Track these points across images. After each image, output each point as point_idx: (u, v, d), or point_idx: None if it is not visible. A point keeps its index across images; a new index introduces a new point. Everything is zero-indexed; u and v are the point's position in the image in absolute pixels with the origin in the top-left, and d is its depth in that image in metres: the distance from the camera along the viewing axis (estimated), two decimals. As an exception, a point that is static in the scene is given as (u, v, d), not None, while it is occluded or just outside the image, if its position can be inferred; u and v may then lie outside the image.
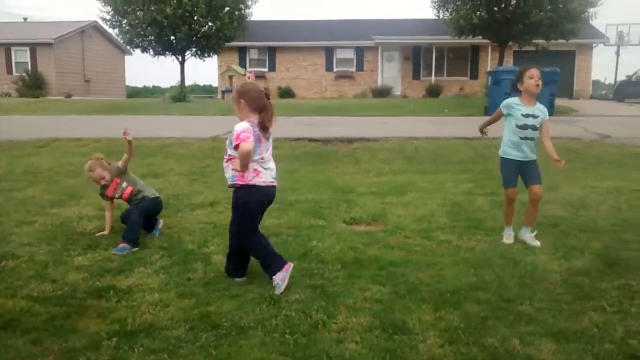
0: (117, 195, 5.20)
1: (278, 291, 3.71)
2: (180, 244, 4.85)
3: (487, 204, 6.37)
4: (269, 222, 5.44)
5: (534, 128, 4.76)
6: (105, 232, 5.11)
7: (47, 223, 5.46)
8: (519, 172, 4.86)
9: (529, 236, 4.89)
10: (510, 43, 24.01)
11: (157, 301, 3.59)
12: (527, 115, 4.73)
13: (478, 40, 25.49)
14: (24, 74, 32.55)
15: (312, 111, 18.83)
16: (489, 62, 29.65)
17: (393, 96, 29.55)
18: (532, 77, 4.71)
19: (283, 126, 13.42)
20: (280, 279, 3.77)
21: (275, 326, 3.23)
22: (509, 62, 25.75)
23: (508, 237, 4.94)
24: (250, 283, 3.92)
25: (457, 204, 6.43)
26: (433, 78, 30.64)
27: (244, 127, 3.73)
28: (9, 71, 33.58)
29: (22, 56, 33.60)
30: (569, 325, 3.25)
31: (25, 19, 40.92)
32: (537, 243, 4.80)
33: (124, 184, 5.20)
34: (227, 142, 3.92)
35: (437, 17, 25.31)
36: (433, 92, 29.46)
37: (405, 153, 10.39)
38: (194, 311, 3.44)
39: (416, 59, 31.79)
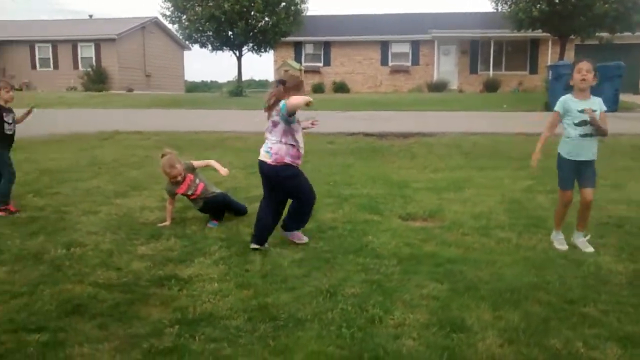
0: (190, 192, 5.35)
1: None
2: (238, 235, 4.94)
3: (548, 202, 6.19)
4: (325, 216, 5.49)
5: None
6: (167, 224, 5.26)
7: (112, 213, 5.67)
8: (577, 173, 4.60)
9: (581, 241, 4.62)
10: (572, 36, 23.23)
11: (217, 291, 3.67)
12: (583, 111, 4.46)
13: (538, 33, 24.81)
14: (89, 69, 33.75)
15: (367, 106, 18.77)
16: (549, 56, 28.78)
17: (449, 91, 29.10)
18: (579, 72, 4.47)
19: (338, 121, 13.45)
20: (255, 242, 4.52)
21: (332, 319, 3.25)
22: (570, 56, 24.88)
23: (560, 243, 4.67)
24: (307, 276, 3.96)
25: (516, 201, 6.29)
26: (491, 72, 29.99)
27: None
28: (75, 66, 34.89)
29: (87, 52, 34.85)
30: (635, 329, 3.14)
31: (90, 16, 42.39)
32: (591, 249, 4.52)
33: (197, 180, 5.38)
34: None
35: (495, 10, 24.75)
36: (491, 86, 28.83)
37: (463, 148, 10.23)
38: (252, 302, 3.50)
39: (473, 52, 31.18)
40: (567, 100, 4.55)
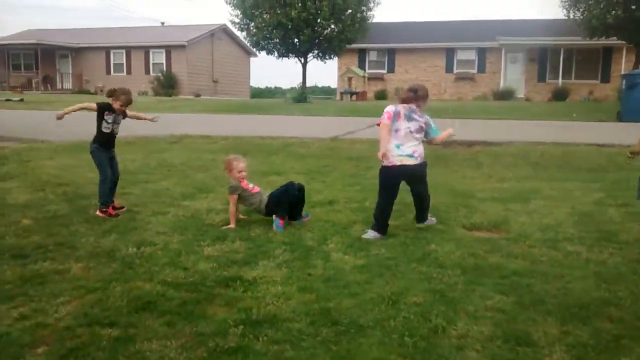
0: (251, 185, 5.60)
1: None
2: (300, 240, 5.00)
3: (620, 216, 5.96)
4: (389, 222, 5.46)
5: None
6: (232, 226, 5.38)
7: (179, 214, 5.85)
8: None
9: None
10: (649, 44, 22.25)
11: (280, 294, 3.73)
12: None
13: (612, 41, 23.89)
14: (160, 74, 34.99)
15: (430, 113, 18.55)
16: (623, 65, 27.65)
17: (516, 99, 28.41)
18: None
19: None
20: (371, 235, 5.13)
21: (394, 327, 3.24)
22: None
23: None
24: (369, 283, 3.96)
25: (586, 214, 6.07)
26: (560, 81, 29.10)
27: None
28: (147, 71, 36.26)
29: (158, 57, 36.16)
30: None
31: (162, 23, 43.94)
32: None
33: (251, 185, 5.53)
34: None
35: (566, 17, 23.99)
36: (559, 95, 27.96)
37: (530, 158, 9.97)
38: (315, 306, 3.54)
39: (542, 60, 30.37)
40: None
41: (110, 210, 5.79)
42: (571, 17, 23.57)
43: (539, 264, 4.42)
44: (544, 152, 10.34)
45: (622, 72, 22.71)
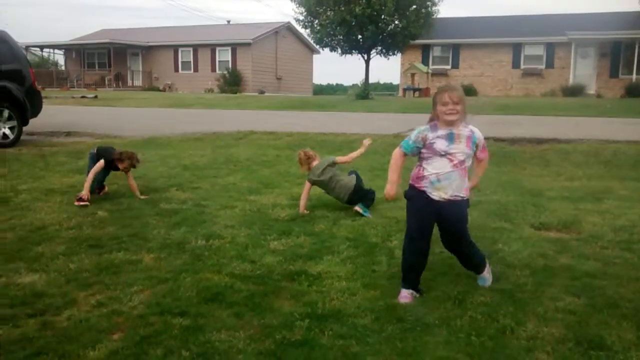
0: None
1: (486, 283, 3.86)
2: (364, 236, 5.01)
3: (702, 218, 5.65)
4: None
5: None
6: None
7: (246, 208, 5.97)
8: None
9: None
10: None
11: (345, 289, 3.75)
12: None
13: (694, 33, 22.60)
14: (225, 72, 35.71)
15: (497, 110, 18.14)
16: None
17: (586, 95, 27.31)
18: None
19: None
20: (487, 272, 3.91)
21: (461, 327, 3.20)
22: None
23: None
24: (433, 281, 3.93)
25: (663, 215, 5.80)
26: (634, 76, 27.72)
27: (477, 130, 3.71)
28: (213, 69, 37.09)
29: (224, 55, 36.91)
30: None
31: (228, 21, 44.80)
32: None
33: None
34: (469, 153, 3.68)
35: (642, 9, 22.89)
36: (633, 91, 26.60)
37: (602, 157, 9.58)
38: (379, 302, 3.54)
39: (615, 55, 29.06)
40: None
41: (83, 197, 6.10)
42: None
43: (613, 265, 4.26)
44: (617, 151, 9.92)
45: None
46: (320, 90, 50.37)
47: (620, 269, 4.19)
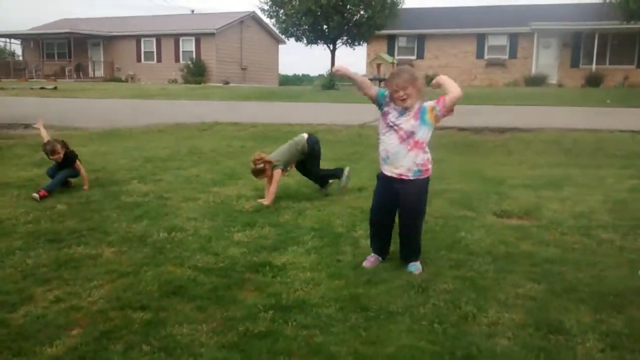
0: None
1: (418, 269, 3.92)
2: (330, 226, 5.00)
3: (657, 204, 5.82)
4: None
5: None
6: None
7: (210, 200, 5.90)
8: None
9: None
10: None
11: (309, 279, 3.74)
12: None
13: (650, 24, 23.17)
14: (189, 62, 35.24)
15: (461, 100, 18.32)
16: (661, 49, 26.83)
17: (548, 85, 27.84)
18: None
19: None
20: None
21: (424, 314, 3.23)
22: None
23: None
24: (398, 269, 3.95)
25: (620, 201, 5.95)
26: (594, 66, 28.39)
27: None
28: (177, 59, 36.56)
29: (188, 45, 36.41)
30: None
31: (192, 11, 44.22)
32: None
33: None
34: (417, 124, 3.78)
35: (602, 1, 23.35)
36: (593, 81, 27.29)
37: (563, 145, 9.79)
38: (344, 292, 3.54)
39: (576, 45, 29.65)
40: None
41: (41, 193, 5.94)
42: (607, 0, 22.93)
43: (572, 251, 4.36)
44: (577, 139, 10.15)
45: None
46: (286, 80, 50.08)
47: (578, 254, 4.28)
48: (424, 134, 3.82)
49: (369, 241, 4.28)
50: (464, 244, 4.50)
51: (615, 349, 2.84)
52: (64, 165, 6.29)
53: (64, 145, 6.34)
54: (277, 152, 5.99)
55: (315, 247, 4.43)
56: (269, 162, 5.78)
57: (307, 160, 6.18)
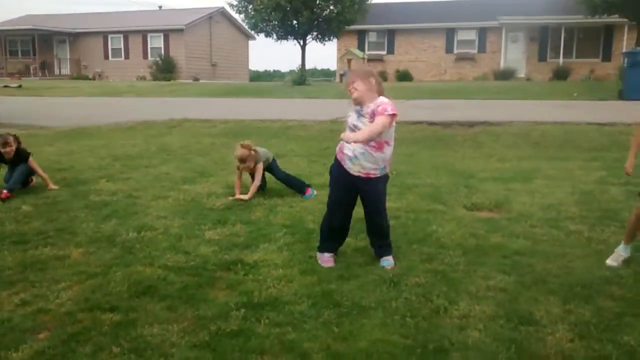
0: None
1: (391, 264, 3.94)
2: (301, 222, 4.98)
3: (622, 195, 5.93)
4: (388, 205, 5.41)
5: None
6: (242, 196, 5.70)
7: (180, 198, 5.83)
8: None
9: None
10: (651, 21, 22.06)
11: (281, 276, 3.72)
12: None
13: (613, 19, 23.72)
14: (158, 59, 34.79)
15: (431, 94, 18.48)
16: (624, 43, 27.40)
17: (516, 79, 28.24)
18: None
19: (401, 109, 13.30)
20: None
21: (396, 308, 3.23)
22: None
23: (612, 258, 3.95)
24: (370, 264, 3.96)
25: (588, 193, 6.05)
26: (561, 60, 28.90)
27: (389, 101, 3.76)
28: (145, 56, 36.07)
29: (156, 42, 35.96)
30: None
31: (160, 7, 43.60)
32: (614, 264, 3.83)
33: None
34: (369, 120, 3.74)
35: (569, -4, 23.78)
36: (560, 74, 27.80)
37: (531, 138, 9.93)
38: (316, 288, 3.53)
39: (543, 40, 30.13)
40: None
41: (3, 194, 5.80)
42: (573, -5, 23.36)
43: (541, 243, 4.42)
44: (545, 132, 10.30)
45: (624, 50, 22.51)
46: (257, 76, 49.86)
47: (548, 246, 4.35)
48: (384, 134, 3.76)
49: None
50: (435, 238, 4.53)
51: (584, 338, 2.88)
52: (17, 163, 6.11)
53: (17, 139, 6.17)
54: (259, 149, 5.93)
55: (287, 243, 4.41)
56: (257, 152, 5.74)
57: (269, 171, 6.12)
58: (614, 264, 3.90)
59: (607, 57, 28.94)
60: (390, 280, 3.62)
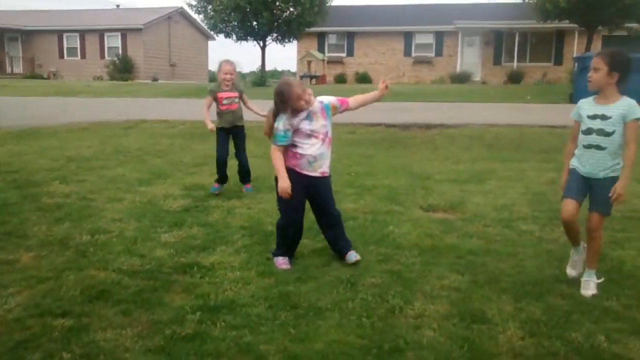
0: (226, 102, 6.07)
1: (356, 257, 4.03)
2: (260, 224, 4.97)
3: (573, 195, 6.11)
4: (346, 206, 5.48)
5: (601, 133, 3.45)
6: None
7: (136, 200, 5.74)
8: (587, 186, 3.57)
9: (584, 280, 3.59)
10: (600, 27, 22.84)
11: (239, 279, 3.70)
12: (593, 117, 3.49)
13: (564, 24, 24.44)
14: (115, 59, 34.14)
15: (389, 97, 18.65)
16: (575, 48, 28.34)
17: (472, 82, 28.81)
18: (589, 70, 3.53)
19: (360, 111, 13.40)
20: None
21: (352, 309, 3.26)
22: (597, 48, 24.51)
23: (571, 266, 3.81)
24: (327, 266, 3.97)
25: (540, 193, 6.22)
26: (515, 64, 29.63)
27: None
28: (102, 56, 35.34)
29: (113, 41, 35.26)
30: (660, 324, 3.10)
31: (117, 6, 42.81)
32: (589, 292, 3.51)
33: (237, 100, 6.15)
34: (327, 122, 3.99)
35: (521, 1, 24.39)
36: (514, 78, 28.52)
37: (486, 140, 10.14)
38: (274, 290, 3.53)
39: (498, 44, 30.83)
40: (580, 106, 3.64)
41: None
42: (525, 0, 23.96)
43: (494, 243, 4.52)
44: (499, 134, 10.53)
45: (575, 55, 23.22)
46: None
47: (500, 245, 4.45)
48: (330, 128, 4.04)
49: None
50: (392, 238, 4.58)
51: (534, 335, 2.96)
52: None
53: None
54: None
55: (245, 245, 4.39)
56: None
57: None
58: (574, 272, 3.78)
59: (559, 62, 29.80)
60: (347, 281, 3.64)
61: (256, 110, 5.87)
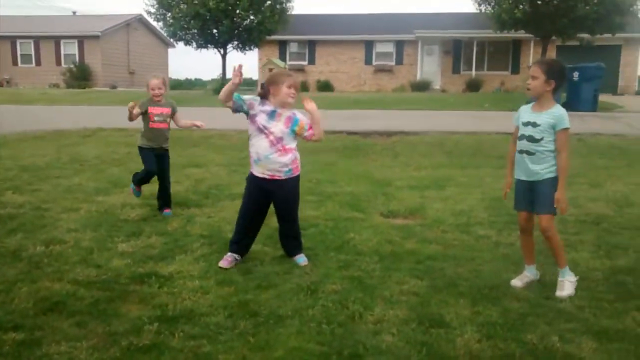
0: (157, 119, 5.68)
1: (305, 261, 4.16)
2: (220, 232, 4.93)
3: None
4: (307, 213, 5.48)
5: (531, 139, 3.64)
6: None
7: (93, 210, 5.62)
8: (530, 193, 3.76)
9: (559, 281, 3.69)
10: (554, 37, 23.53)
11: (197, 288, 3.66)
12: (526, 124, 3.68)
13: (520, 34, 25.08)
14: (72, 66, 33.42)
15: (350, 105, 18.80)
16: (531, 57, 29.07)
17: (432, 90, 29.25)
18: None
19: (322, 119, 13.45)
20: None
21: (312, 316, 3.25)
22: (551, 57, 25.20)
23: (517, 279, 3.82)
24: (288, 273, 3.96)
25: (497, 199, 6.32)
26: (473, 72, 30.20)
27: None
28: (58, 63, 34.53)
29: (70, 48, 34.49)
30: (610, 324, 3.19)
31: (74, 12, 41.99)
32: (564, 293, 3.59)
33: (169, 120, 5.81)
34: (287, 132, 4.06)
35: (478, 11, 24.93)
36: (473, 86, 29.05)
37: (445, 147, 10.30)
38: (233, 299, 3.50)
39: (456, 53, 31.37)
40: (519, 112, 3.82)
41: None
42: (482, 11, 24.50)
43: (452, 248, 4.58)
44: (458, 141, 10.72)
45: (530, 64, 23.85)
46: (178, 84, 48.74)
47: (458, 250, 4.52)
48: (291, 141, 4.10)
49: (260, 245, 4.45)
50: (353, 245, 4.61)
51: (491, 338, 3.01)
52: None
53: None
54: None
55: (204, 254, 4.34)
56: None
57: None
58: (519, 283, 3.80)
59: (515, 70, 30.49)
60: (308, 288, 3.64)
61: (189, 123, 5.74)
